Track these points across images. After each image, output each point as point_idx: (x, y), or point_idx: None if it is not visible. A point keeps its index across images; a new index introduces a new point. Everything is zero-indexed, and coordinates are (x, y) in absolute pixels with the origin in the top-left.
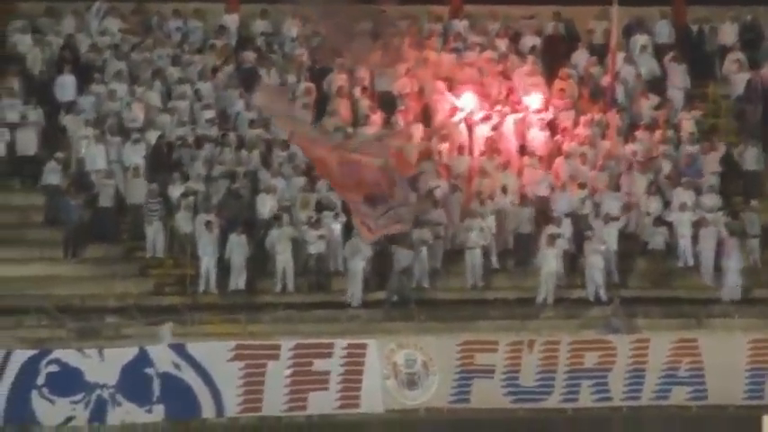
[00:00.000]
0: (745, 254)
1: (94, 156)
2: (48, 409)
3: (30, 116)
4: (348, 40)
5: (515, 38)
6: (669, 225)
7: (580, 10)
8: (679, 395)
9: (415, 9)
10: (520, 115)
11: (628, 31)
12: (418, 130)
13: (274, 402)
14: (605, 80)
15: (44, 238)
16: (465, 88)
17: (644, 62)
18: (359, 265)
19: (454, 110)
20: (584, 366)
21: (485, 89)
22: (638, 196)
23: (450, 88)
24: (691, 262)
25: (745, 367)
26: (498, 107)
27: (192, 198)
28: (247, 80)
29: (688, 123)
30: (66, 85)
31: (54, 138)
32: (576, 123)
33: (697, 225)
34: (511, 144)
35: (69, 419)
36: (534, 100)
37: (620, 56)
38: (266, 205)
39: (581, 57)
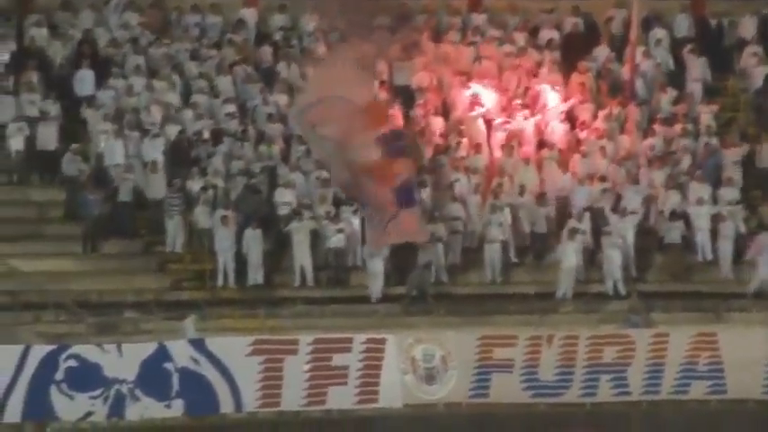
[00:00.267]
0: None
1: (113, 150)
2: (66, 405)
3: (50, 111)
4: (366, 34)
5: (534, 32)
6: (686, 219)
7: (598, 4)
8: (698, 389)
9: (434, 3)
10: (539, 117)
11: (646, 25)
12: (437, 124)
13: (293, 397)
14: (624, 74)
15: (63, 234)
16: (483, 82)
17: (659, 56)
18: (379, 263)
19: (473, 104)
20: (602, 361)
21: (503, 83)
22: (656, 190)
23: (469, 82)
24: (709, 256)
25: (765, 361)
26: (517, 101)
27: (211, 192)
28: (267, 76)
29: (706, 117)
30: (84, 80)
31: (73, 132)
32: (594, 117)
33: (715, 219)
34: (530, 139)
35: (88, 414)
36: (554, 95)
37: (639, 50)
38: (284, 200)
39: (602, 51)
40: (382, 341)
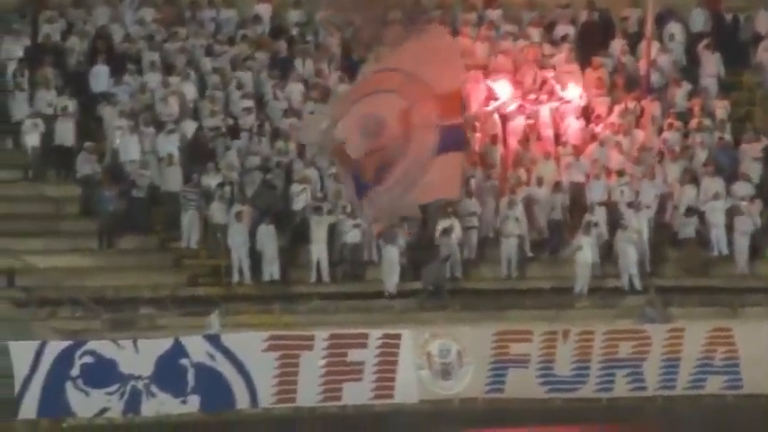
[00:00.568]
0: None
1: (128, 146)
2: (82, 401)
3: (68, 107)
4: (381, 28)
5: (550, 27)
6: (701, 214)
7: None
8: (714, 384)
9: None
10: (555, 104)
11: (661, 20)
12: None
13: (309, 393)
14: (640, 68)
15: (79, 230)
16: (499, 77)
17: (673, 51)
18: (395, 259)
19: (488, 99)
20: (618, 356)
21: (519, 78)
22: (672, 185)
23: (485, 77)
24: (725, 251)
25: None
26: (532, 96)
27: (228, 188)
28: (282, 70)
29: (721, 111)
30: (100, 76)
31: (89, 129)
32: (610, 112)
33: (731, 213)
34: (548, 133)
35: (104, 411)
36: (569, 89)
37: (655, 45)
38: (300, 195)
39: (617, 46)
40: (398, 336)
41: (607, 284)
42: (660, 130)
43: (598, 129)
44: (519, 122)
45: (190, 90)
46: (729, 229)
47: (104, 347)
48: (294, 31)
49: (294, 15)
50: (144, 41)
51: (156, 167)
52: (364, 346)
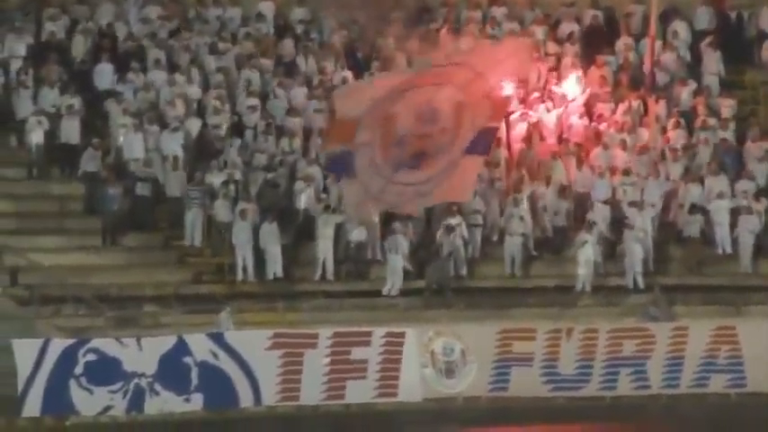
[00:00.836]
0: None
1: (132, 144)
2: (86, 399)
3: (73, 104)
4: (385, 27)
5: (554, 25)
6: (705, 213)
7: None
8: (718, 383)
9: None
10: (560, 110)
11: (665, 18)
12: None
13: (312, 391)
14: (644, 67)
15: (83, 227)
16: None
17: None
18: (399, 267)
19: None
20: (622, 354)
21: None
22: (676, 184)
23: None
24: (729, 249)
25: None
26: (536, 94)
27: (232, 186)
28: (287, 69)
29: (725, 110)
30: (104, 74)
31: (93, 126)
32: (614, 110)
33: (735, 212)
34: (552, 133)
35: (107, 409)
36: (573, 88)
37: (658, 43)
38: (303, 193)
39: (622, 42)
40: (402, 335)
41: (611, 283)
42: (664, 129)
43: (602, 127)
44: (522, 128)
45: (194, 88)
46: (733, 227)
47: (108, 345)
48: (298, 29)
49: (298, 13)
50: (148, 39)
51: (161, 166)
52: (368, 344)
